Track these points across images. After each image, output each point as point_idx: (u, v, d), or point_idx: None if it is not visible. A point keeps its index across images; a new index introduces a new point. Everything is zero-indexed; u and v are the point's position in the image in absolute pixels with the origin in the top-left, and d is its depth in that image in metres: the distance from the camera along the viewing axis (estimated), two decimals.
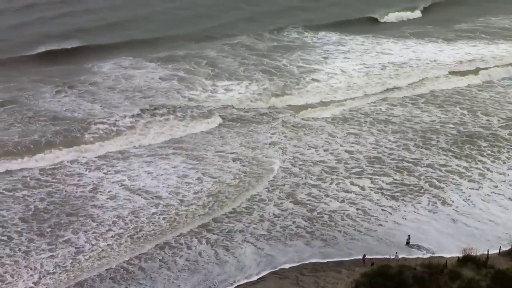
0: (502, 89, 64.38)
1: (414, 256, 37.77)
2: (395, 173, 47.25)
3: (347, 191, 44.84)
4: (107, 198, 43.30)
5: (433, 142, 52.13)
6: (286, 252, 38.38)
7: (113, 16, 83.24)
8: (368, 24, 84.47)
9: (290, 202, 43.49)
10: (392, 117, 56.96)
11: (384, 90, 62.94)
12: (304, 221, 41.40)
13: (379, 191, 44.97)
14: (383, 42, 76.70)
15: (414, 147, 51.33)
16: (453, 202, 43.75)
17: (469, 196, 44.51)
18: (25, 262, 36.88)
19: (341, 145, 51.46)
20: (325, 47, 74.95)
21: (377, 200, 43.89)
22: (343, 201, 43.67)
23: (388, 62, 69.94)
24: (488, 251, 36.04)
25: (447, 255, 36.95)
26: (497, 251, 37.40)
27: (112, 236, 39.31)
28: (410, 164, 48.51)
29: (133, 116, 54.82)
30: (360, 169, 47.77)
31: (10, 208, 41.89)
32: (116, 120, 53.87)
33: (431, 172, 47.39)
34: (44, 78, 63.49)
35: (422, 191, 45.01)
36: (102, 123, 53.26)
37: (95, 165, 47.73)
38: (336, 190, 44.92)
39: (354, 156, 49.65)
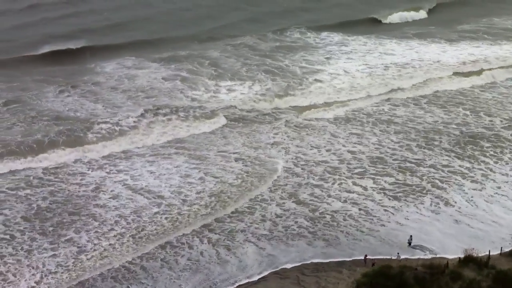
0: (505, 90, 64.28)
1: (416, 257, 37.69)
2: (398, 174, 47.19)
3: (349, 191, 44.81)
4: (109, 198, 43.39)
5: (436, 143, 52.07)
6: (287, 252, 38.37)
7: (117, 17, 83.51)
8: (370, 25, 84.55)
9: (292, 202, 43.49)
10: (394, 118, 56.92)
11: (387, 90, 62.89)
12: (306, 221, 41.38)
13: (381, 191, 44.93)
14: (386, 43, 76.69)
15: (416, 147, 51.28)
16: (455, 202, 43.67)
17: (472, 197, 44.41)
18: (28, 261, 36.96)
19: (343, 145, 51.44)
20: (328, 48, 74.99)
21: (380, 200, 43.85)
22: (345, 201, 43.64)
23: (391, 63, 69.93)
24: (489, 252, 35.97)
25: (450, 256, 36.78)
26: (499, 251, 37.29)
27: (114, 236, 39.36)
28: (413, 165, 48.46)
29: (136, 116, 54.90)
30: (362, 169, 47.74)
31: (12, 207, 42.01)
32: (119, 120, 53.97)
33: (434, 173, 47.32)
34: (47, 78, 63.71)
35: (424, 191, 44.94)
36: (105, 123, 53.37)
37: (97, 164, 47.84)
38: (339, 190, 44.90)
39: (357, 156, 49.62)
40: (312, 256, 37.92)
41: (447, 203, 43.55)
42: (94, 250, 38.02)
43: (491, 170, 47.93)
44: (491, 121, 56.46)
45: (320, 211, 42.42)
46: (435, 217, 42.05)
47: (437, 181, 46.23)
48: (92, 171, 46.84)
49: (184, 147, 50.78)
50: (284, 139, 52.40)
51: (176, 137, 52.42)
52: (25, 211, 41.55)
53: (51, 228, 39.89)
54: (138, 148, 50.62)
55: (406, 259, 36.95)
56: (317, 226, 40.82)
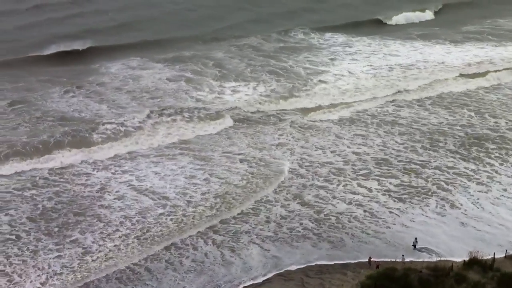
0: (510, 91, 64.06)
1: (421, 259, 37.61)
2: (403, 175, 47.12)
3: (354, 193, 44.77)
4: (114, 198, 43.45)
5: (441, 144, 51.98)
6: (292, 254, 38.37)
7: (121, 17, 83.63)
8: (374, 26, 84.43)
9: (297, 203, 43.48)
10: (399, 119, 56.85)
11: (392, 92, 62.77)
12: (311, 222, 41.37)
13: (386, 193, 44.88)
14: (390, 44, 76.60)
15: (421, 149, 51.19)
16: (461, 205, 43.53)
17: (478, 199, 44.29)
18: (33, 261, 37.06)
19: (348, 147, 51.40)
20: (332, 49, 74.95)
21: (385, 202, 43.80)
22: (350, 202, 43.61)
23: (396, 64, 69.83)
24: (494, 254, 35.88)
25: (457, 259, 36.58)
26: (503, 254, 37.20)
27: (119, 237, 39.43)
28: (418, 166, 48.39)
29: (140, 116, 54.94)
30: (367, 171, 47.69)
31: (18, 207, 42.14)
32: (124, 121, 54.04)
33: (439, 174, 47.24)
34: (52, 79, 63.87)
35: (430, 193, 44.85)
36: (110, 123, 53.44)
37: (103, 165, 47.92)
38: (343, 192, 44.87)
39: (361, 158, 49.58)
40: (317, 258, 37.90)
41: (453, 205, 43.45)
42: (99, 251, 38.08)
43: (496, 172, 47.81)
44: (496, 122, 56.32)
45: (325, 213, 42.40)
46: (441, 220, 41.96)
47: (442, 183, 46.14)
48: (97, 172, 46.93)
49: (189, 148, 50.83)
50: (289, 140, 52.40)
51: (181, 138, 52.46)
52: (31, 211, 41.66)
53: (56, 229, 39.99)
54: (143, 149, 50.68)
55: (411, 261, 36.90)
56: (322, 228, 40.80)
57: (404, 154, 50.29)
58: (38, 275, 35.99)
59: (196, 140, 52.32)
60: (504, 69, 68.96)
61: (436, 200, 43.99)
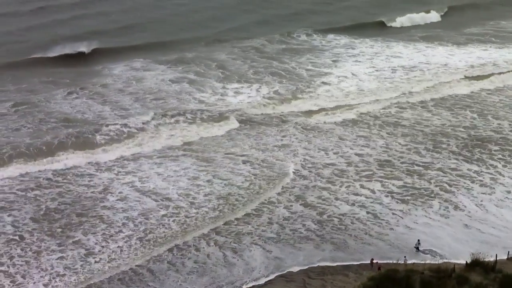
0: None
1: (423, 261, 37.50)
2: (406, 177, 47.06)
3: (357, 194, 44.74)
4: (117, 200, 43.53)
5: (444, 146, 51.91)
6: (295, 255, 38.34)
7: (125, 19, 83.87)
8: (377, 28, 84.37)
9: (300, 204, 43.46)
10: (402, 120, 56.80)
11: (395, 94, 62.65)
12: (313, 224, 41.34)
13: (389, 194, 44.82)
14: (393, 46, 76.54)
15: (424, 150, 51.13)
16: (465, 207, 43.41)
17: (482, 201, 44.15)
18: (36, 262, 37.14)
19: (351, 148, 51.38)
20: (334, 50, 74.93)
21: (388, 203, 43.74)
22: (353, 204, 43.57)
23: (399, 66, 69.76)
24: (496, 256, 35.77)
25: (461, 261, 36.40)
26: (506, 256, 37.11)
27: (122, 238, 39.47)
28: (421, 168, 48.32)
29: (144, 118, 55.03)
30: (370, 172, 47.66)
31: (21, 208, 42.25)
32: (127, 122, 54.14)
33: (442, 176, 47.15)
34: (56, 80, 64.06)
35: (433, 195, 44.77)
36: (113, 125, 53.54)
37: (106, 166, 48.00)
38: (346, 193, 44.84)
39: (364, 159, 49.55)
40: (319, 260, 37.85)
41: (456, 207, 43.34)
42: (102, 252, 38.13)
43: (500, 173, 47.70)
44: (499, 124, 56.21)
45: (328, 214, 42.37)
46: (444, 221, 41.85)
47: (445, 184, 46.06)
48: (100, 173, 47.01)
49: (192, 149, 50.88)
50: (292, 142, 52.40)
51: (184, 140, 52.50)
52: (34, 212, 41.76)
53: (59, 230, 40.06)
54: (146, 150, 50.74)
55: (413, 263, 36.81)
56: (324, 229, 40.76)
57: (407, 156, 50.24)
58: (41, 276, 36.07)
59: (199, 142, 52.35)
60: (508, 72, 68.74)
61: (439, 202, 43.91)
